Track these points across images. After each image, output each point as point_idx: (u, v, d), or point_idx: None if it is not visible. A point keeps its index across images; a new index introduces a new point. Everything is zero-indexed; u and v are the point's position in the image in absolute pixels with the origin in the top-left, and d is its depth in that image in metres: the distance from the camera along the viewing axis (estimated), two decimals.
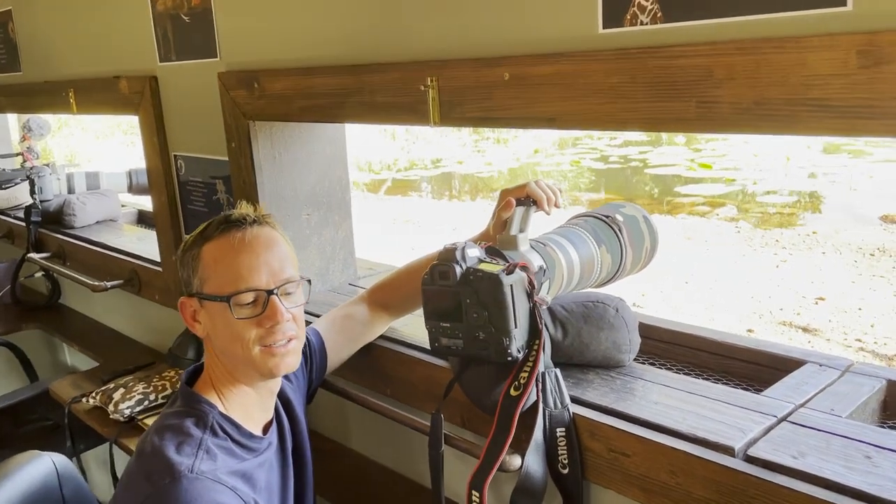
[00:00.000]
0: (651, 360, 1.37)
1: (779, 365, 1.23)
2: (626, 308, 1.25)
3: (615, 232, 1.38)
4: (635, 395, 1.14)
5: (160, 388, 1.87)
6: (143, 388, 1.86)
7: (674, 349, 1.38)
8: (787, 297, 5.17)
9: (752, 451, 0.95)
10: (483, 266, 1.09)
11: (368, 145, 11.41)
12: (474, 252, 1.12)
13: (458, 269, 1.09)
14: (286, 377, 1.25)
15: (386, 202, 8.94)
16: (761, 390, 1.16)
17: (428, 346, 1.25)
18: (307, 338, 1.29)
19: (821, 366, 1.19)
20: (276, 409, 1.21)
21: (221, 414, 1.09)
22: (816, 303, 5.09)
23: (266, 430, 1.17)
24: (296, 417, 1.25)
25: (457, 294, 1.09)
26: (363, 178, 10.22)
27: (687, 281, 5.39)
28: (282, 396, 1.23)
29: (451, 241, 1.12)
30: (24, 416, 2.34)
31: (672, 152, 9.88)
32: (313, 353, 1.34)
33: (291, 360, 1.11)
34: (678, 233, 6.50)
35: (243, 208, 1.14)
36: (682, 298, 5.06)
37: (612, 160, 9.76)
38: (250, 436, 1.11)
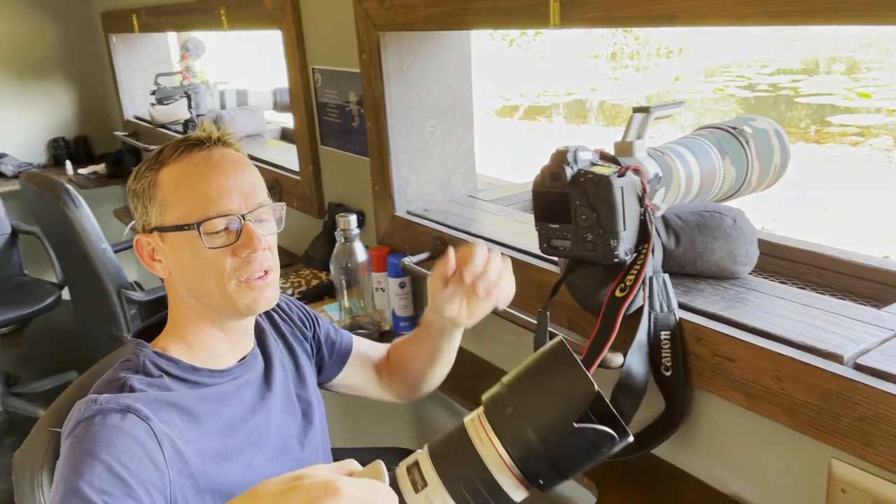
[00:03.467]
0: (772, 278, 1.34)
1: None
2: (744, 219, 1.22)
3: (741, 144, 1.34)
4: (746, 305, 1.13)
5: None
6: None
7: (796, 267, 1.34)
8: None
9: (863, 360, 0.93)
10: (595, 168, 1.10)
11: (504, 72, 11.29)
12: (586, 155, 1.13)
13: (568, 171, 1.10)
14: (287, 323, 1.19)
15: (520, 126, 8.94)
16: None
17: (538, 251, 1.28)
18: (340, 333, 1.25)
19: None
20: (265, 345, 1.12)
21: (155, 352, 0.98)
22: None
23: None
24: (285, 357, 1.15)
25: (567, 195, 1.11)
26: (497, 105, 10.19)
27: (825, 208, 5.05)
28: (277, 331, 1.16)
29: (563, 145, 1.14)
30: None
31: (829, 80, 9.06)
32: (336, 346, 1.24)
33: (271, 293, 0.99)
34: (822, 162, 6.06)
35: (206, 128, 0.99)
36: (816, 224, 4.75)
37: (760, 88, 9.09)
38: (193, 369, 0.99)
